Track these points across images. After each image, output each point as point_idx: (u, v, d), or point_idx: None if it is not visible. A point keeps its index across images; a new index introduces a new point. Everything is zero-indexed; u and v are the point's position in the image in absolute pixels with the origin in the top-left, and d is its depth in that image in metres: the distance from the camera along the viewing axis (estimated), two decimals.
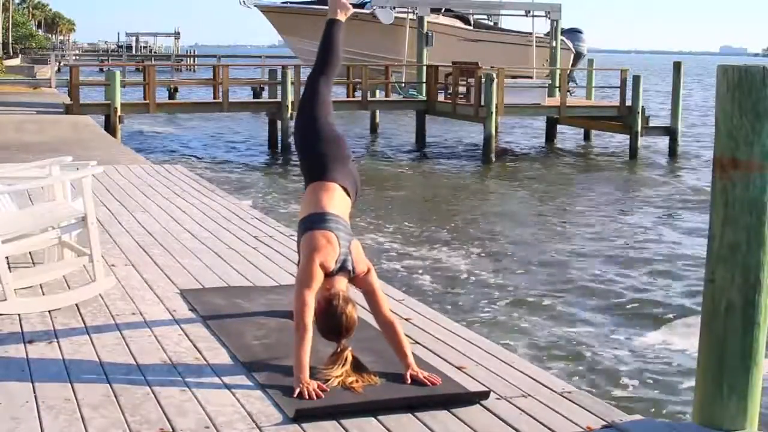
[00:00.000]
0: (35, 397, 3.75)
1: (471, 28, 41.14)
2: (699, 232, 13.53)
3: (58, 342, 4.47)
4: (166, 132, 28.92)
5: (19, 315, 4.89)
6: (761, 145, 3.35)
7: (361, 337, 4.21)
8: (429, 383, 3.89)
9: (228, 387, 3.90)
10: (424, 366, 4.08)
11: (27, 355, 4.28)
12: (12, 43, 70.38)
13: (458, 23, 40.57)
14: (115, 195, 9.20)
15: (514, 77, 25.74)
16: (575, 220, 14.86)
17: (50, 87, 29.13)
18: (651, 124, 24.81)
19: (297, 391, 3.73)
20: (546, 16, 32.70)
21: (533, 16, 33.20)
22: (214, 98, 23.60)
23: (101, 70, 48.29)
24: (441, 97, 25.04)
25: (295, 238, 4.68)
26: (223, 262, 6.31)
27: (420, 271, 10.87)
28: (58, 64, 43.16)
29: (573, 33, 42.00)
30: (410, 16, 31.70)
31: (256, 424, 3.52)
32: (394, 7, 32.13)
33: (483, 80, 22.04)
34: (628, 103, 23.59)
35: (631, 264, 11.69)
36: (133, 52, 79.46)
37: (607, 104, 26.27)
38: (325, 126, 4.41)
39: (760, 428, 3.56)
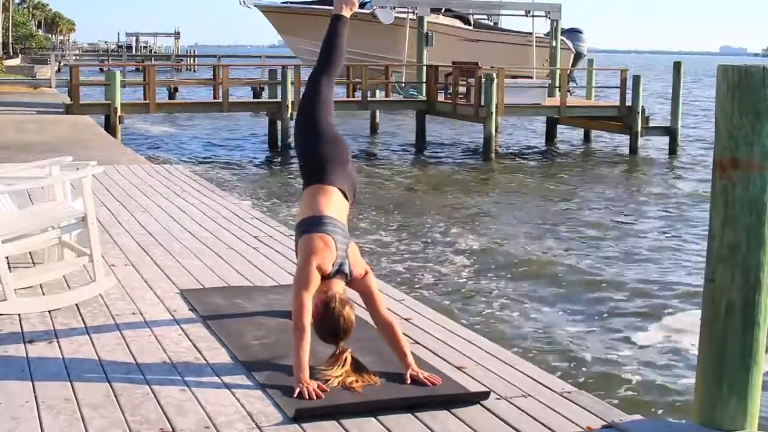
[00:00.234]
0: (35, 397, 3.75)
1: (471, 28, 41.09)
2: (699, 232, 13.53)
3: (58, 342, 4.47)
4: (166, 132, 28.92)
5: (19, 315, 4.89)
6: (761, 145, 3.35)
7: (360, 337, 4.21)
8: (429, 383, 3.89)
9: (228, 387, 3.90)
10: (424, 366, 4.08)
11: (27, 355, 4.28)
12: (12, 43, 70.41)
13: (458, 23, 40.53)
14: (115, 195, 9.20)
15: (514, 77, 25.73)
16: (575, 220, 14.85)
17: (50, 87, 29.13)
18: (651, 124, 24.84)
19: (297, 391, 3.73)
20: (546, 16, 32.68)
21: (533, 16, 33.18)
22: (214, 98, 23.62)
23: (101, 70, 48.30)
24: (441, 97, 25.05)
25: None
26: (223, 262, 6.31)
27: (420, 271, 10.86)
28: (58, 64, 43.16)
29: (573, 33, 41.94)
30: (410, 16, 31.69)
31: (256, 424, 3.52)
32: (394, 7, 32.09)
33: (483, 80, 22.04)
34: (628, 103, 23.61)
35: (631, 264, 11.69)
36: (133, 52, 79.47)
37: (607, 104, 26.27)
38: (326, 127, 4.41)
39: (760, 428, 3.56)
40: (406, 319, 4.93)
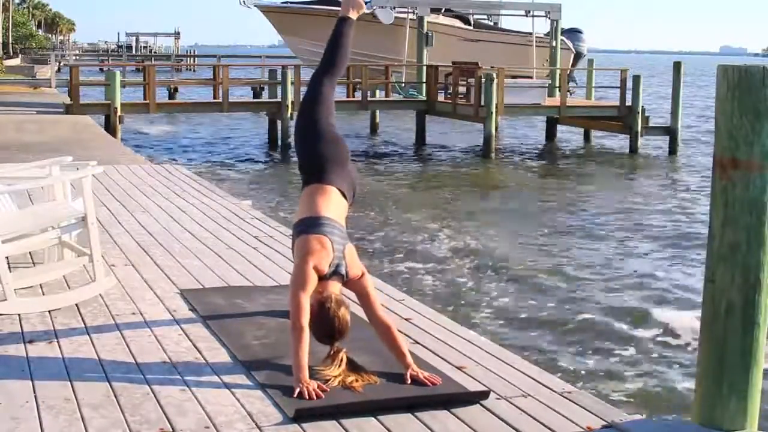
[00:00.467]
0: (35, 396, 3.75)
1: (471, 28, 41.07)
2: (699, 232, 13.53)
3: (58, 342, 4.48)
4: (166, 132, 28.92)
5: (19, 315, 4.89)
6: (761, 145, 3.35)
7: (360, 337, 4.22)
8: (429, 383, 3.89)
9: (228, 387, 3.90)
10: (424, 366, 4.08)
11: (27, 355, 4.28)
12: (12, 43, 70.41)
13: (458, 23, 40.51)
14: (115, 195, 9.20)
15: (514, 77, 25.73)
16: (575, 220, 14.86)
17: (50, 87, 29.13)
18: (651, 124, 24.84)
19: (297, 390, 3.74)
20: (546, 16, 32.68)
21: (533, 16, 33.18)
22: (214, 98, 23.62)
23: (101, 70, 48.29)
24: (441, 97, 25.05)
25: None
26: (223, 262, 6.31)
27: (420, 271, 10.86)
28: (58, 64, 43.18)
29: (573, 33, 41.92)
30: (410, 16, 31.68)
31: (256, 424, 3.52)
32: (394, 7, 32.04)
33: (483, 80, 22.04)
34: (628, 103, 23.61)
35: (631, 263, 11.70)
36: (133, 52, 79.50)
37: (607, 104, 26.27)
38: (326, 127, 4.41)
39: (760, 428, 3.56)
40: (406, 319, 4.93)
